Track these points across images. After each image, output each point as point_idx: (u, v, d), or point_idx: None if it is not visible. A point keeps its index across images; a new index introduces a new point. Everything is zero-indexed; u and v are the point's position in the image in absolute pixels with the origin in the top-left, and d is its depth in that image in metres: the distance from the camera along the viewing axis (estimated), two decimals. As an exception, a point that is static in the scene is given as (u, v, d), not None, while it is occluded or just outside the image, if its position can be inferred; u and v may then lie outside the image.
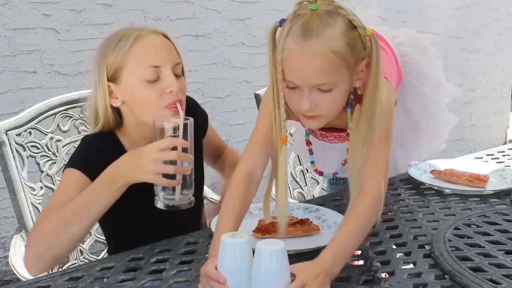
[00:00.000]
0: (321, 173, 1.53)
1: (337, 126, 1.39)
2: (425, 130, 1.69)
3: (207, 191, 1.79)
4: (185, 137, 1.20)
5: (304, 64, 1.13)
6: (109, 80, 1.31)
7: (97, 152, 1.32)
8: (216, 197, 1.78)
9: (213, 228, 1.26)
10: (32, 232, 1.29)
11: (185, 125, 1.20)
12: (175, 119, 1.21)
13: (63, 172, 1.31)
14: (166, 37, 1.33)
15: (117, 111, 1.35)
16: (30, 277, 1.19)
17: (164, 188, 1.21)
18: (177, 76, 1.31)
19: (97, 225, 1.61)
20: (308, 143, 1.49)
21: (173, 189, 1.21)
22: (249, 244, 1.00)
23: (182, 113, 1.24)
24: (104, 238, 1.63)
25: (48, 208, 1.25)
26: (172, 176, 1.19)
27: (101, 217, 1.26)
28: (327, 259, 1.06)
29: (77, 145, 1.59)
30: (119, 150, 1.33)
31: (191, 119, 1.22)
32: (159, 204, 1.23)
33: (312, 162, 1.47)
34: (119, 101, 1.32)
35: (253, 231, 1.27)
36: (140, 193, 1.25)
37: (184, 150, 1.20)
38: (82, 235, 1.24)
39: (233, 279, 0.98)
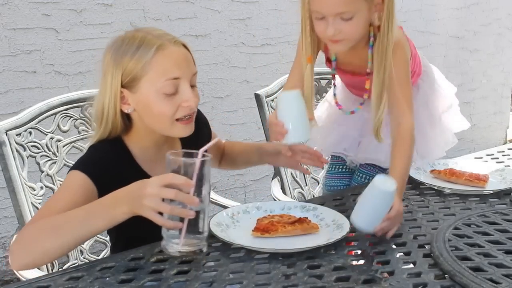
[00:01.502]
0: (340, 107, 1.72)
1: (357, 69, 1.61)
2: (445, 126, 1.79)
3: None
4: (199, 176, 1.10)
5: None
6: (123, 86, 1.28)
7: (106, 158, 1.29)
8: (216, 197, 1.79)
9: (212, 228, 1.26)
10: (24, 228, 1.26)
11: (202, 163, 1.11)
12: (189, 159, 1.12)
13: (67, 173, 1.29)
14: (185, 47, 1.31)
15: (126, 116, 1.32)
16: (30, 277, 1.19)
17: (169, 232, 1.12)
18: (192, 86, 1.31)
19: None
20: (333, 77, 1.72)
21: (179, 230, 1.11)
22: (298, 94, 1.38)
23: (200, 154, 1.13)
24: (103, 238, 1.63)
25: (48, 207, 1.23)
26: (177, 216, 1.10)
27: None
28: (401, 187, 1.40)
29: (77, 145, 1.60)
30: (128, 158, 1.32)
31: (209, 158, 1.13)
32: (162, 243, 1.14)
33: (334, 95, 1.72)
34: (131, 108, 1.29)
35: (252, 230, 1.27)
36: None
37: (199, 189, 1.10)
38: (59, 249, 1.15)
39: (289, 122, 1.34)
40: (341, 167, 1.89)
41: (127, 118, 1.32)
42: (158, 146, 1.36)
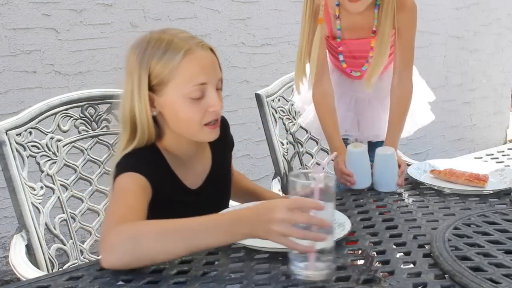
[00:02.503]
0: (350, 72, 1.86)
1: (362, 34, 1.74)
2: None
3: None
4: (324, 197, 1.05)
5: None
6: (149, 89, 1.26)
7: (149, 162, 1.27)
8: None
9: None
10: (114, 229, 1.09)
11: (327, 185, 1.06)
12: (310, 184, 1.06)
13: (114, 179, 1.22)
14: (212, 50, 1.30)
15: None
16: (30, 277, 1.19)
17: (297, 255, 1.07)
18: (217, 90, 1.30)
19: (98, 224, 1.62)
20: (339, 44, 1.81)
21: (306, 257, 1.06)
22: (365, 151, 1.64)
23: (319, 176, 1.07)
24: (104, 238, 1.63)
25: (114, 214, 1.14)
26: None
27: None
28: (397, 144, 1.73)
29: (77, 145, 1.60)
30: (163, 164, 1.30)
31: (333, 178, 1.09)
32: (291, 269, 1.08)
33: (343, 61, 1.84)
34: (156, 111, 1.28)
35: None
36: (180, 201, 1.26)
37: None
38: (165, 255, 1.09)
39: (357, 174, 1.62)
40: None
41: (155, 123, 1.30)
42: (190, 151, 1.36)
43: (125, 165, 1.25)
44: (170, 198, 1.27)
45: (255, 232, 1.06)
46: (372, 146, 1.98)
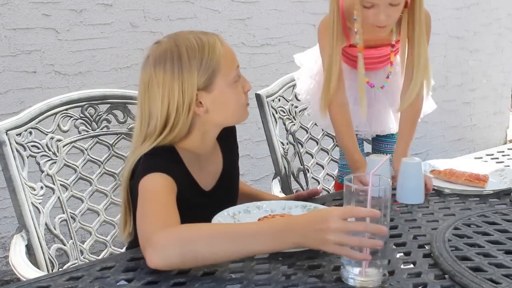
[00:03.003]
0: (372, 85, 1.88)
1: (379, 43, 1.81)
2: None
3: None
4: (379, 203, 1.03)
5: None
6: (198, 89, 1.28)
7: (170, 162, 1.27)
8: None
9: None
10: (163, 232, 1.09)
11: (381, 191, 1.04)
12: (362, 187, 1.04)
13: (139, 181, 1.21)
14: None
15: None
16: (30, 277, 1.19)
17: (349, 261, 1.05)
18: None
19: (98, 224, 1.62)
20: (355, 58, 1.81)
21: (359, 263, 1.04)
22: (420, 162, 1.55)
23: (371, 177, 1.04)
24: (103, 238, 1.63)
25: (158, 214, 1.14)
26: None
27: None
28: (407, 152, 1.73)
29: (77, 145, 1.60)
30: (181, 165, 1.31)
31: (388, 182, 1.06)
32: (343, 275, 1.06)
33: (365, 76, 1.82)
34: (204, 109, 1.30)
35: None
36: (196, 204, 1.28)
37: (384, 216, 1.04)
38: (212, 259, 1.09)
39: (413, 187, 1.53)
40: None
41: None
42: (207, 152, 1.39)
43: (150, 165, 1.25)
44: (186, 199, 1.26)
45: (308, 241, 1.05)
46: (379, 141, 2.09)
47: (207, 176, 1.39)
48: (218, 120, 1.34)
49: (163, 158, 1.27)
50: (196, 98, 1.28)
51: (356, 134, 1.94)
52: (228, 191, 1.46)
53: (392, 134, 2.05)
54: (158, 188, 1.20)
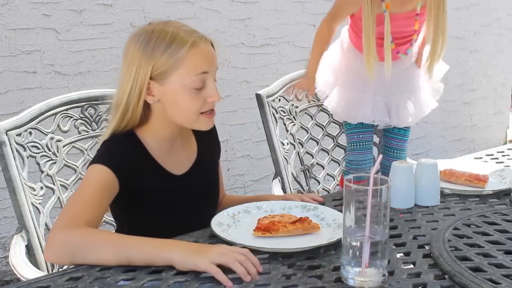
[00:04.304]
0: (397, 52, 2.06)
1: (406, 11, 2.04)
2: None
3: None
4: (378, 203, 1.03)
5: None
6: (151, 77, 1.30)
7: (124, 151, 1.31)
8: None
9: (214, 227, 1.26)
10: (63, 227, 1.18)
11: (379, 191, 1.03)
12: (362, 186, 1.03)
13: (87, 168, 1.29)
14: (211, 44, 1.36)
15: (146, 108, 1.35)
16: (30, 277, 1.19)
17: (349, 261, 1.05)
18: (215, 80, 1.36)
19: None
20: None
21: (359, 263, 1.04)
22: (437, 164, 1.55)
23: (372, 178, 1.03)
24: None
25: (73, 211, 1.21)
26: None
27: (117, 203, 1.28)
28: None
29: (77, 145, 1.61)
30: (143, 150, 1.35)
31: (388, 182, 1.05)
32: (343, 275, 1.07)
33: (392, 42, 2.02)
34: (155, 99, 1.33)
35: (254, 230, 1.28)
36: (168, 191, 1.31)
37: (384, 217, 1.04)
38: (99, 263, 1.14)
39: (427, 190, 1.52)
40: (360, 144, 2.17)
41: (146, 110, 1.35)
42: (173, 139, 1.40)
43: (99, 155, 1.32)
44: (153, 185, 1.33)
45: (186, 258, 1.09)
46: (389, 137, 2.22)
47: (178, 161, 1.41)
48: (169, 115, 1.35)
49: (115, 148, 1.31)
50: (148, 87, 1.31)
51: (372, 125, 2.13)
52: (205, 176, 1.47)
53: (404, 131, 2.20)
54: (92, 180, 1.26)
